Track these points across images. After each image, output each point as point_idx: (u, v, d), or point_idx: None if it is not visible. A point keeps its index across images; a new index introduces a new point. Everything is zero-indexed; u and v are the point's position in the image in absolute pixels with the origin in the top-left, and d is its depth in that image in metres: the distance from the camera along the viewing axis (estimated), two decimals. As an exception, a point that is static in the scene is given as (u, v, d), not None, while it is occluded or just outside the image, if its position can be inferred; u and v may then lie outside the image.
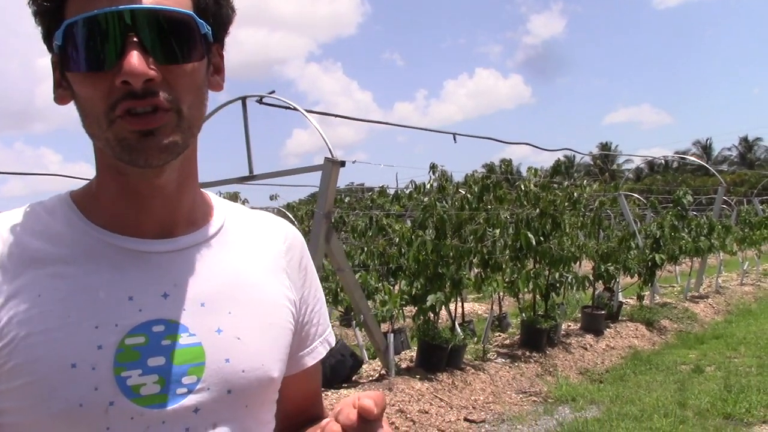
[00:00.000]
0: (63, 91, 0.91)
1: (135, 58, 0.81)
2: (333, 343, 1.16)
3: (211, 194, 1.06)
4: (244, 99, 6.48)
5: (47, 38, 0.89)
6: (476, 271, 8.05)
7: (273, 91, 6.29)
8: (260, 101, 6.37)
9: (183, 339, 0.91)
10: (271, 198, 9.19)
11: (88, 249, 0.92)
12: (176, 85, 0.86)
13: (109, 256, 0.91)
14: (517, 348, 8.13)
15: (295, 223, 11.88)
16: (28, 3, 0.88)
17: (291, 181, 14.06)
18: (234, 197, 7.78)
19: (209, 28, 0.89)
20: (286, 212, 13.65)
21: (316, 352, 1.12)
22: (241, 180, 6.65)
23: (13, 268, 0.89)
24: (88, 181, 0.99)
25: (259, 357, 0.97)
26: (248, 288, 0.99)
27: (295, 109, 6.21)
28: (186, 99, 0.87)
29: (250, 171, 6.52)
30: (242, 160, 6.54)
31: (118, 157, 0.87)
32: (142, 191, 0.92)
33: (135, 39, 0.82)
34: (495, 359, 7.63)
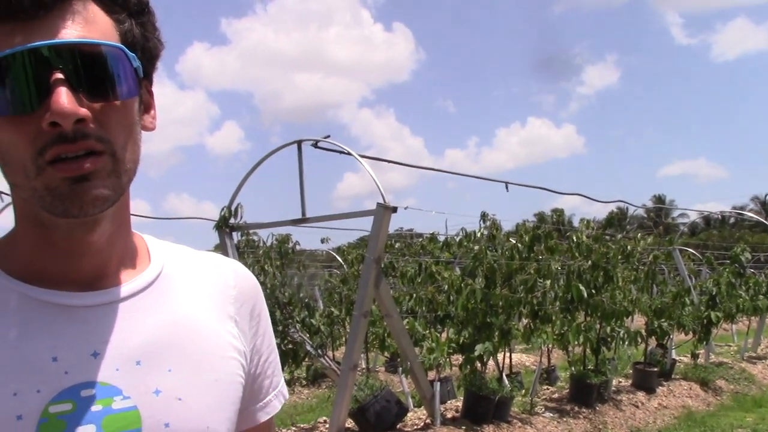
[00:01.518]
0: None
1: (64, 96, 0.72)
2: (287, 396, 1.07)
3: (147, 237, 0.96)
4: (299, 143, 6.59)
5: None
6: (525, 321, 7.95)
7: (328, 136, 6.39)
8: (315, 145, 6.47)
9: (116, 403, 0.79)
10: (322, 241, 9.24)
11: (4, 303, 0.80)
12: (108, 125, 0.77)
13: (29, 311, 0.80)
14: (566, 403, 7.95)
15: (345, 266, 11.92)
16: None
17: (341, 225, 14.11)
18: (286, 239, 7.86)
19: (139, 61, 0.81)
20: (336, 255, 13.74)
21: (271, 407, 1.03)
22: (294, 222, 6.72)
23: None
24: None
25: (203, 418, 0.85)
26: (190, 341, 0.88)
27: (349, 153, 6.29)
28: (119, 139, 0.78)
29: (303, 214, 6.59)
30: (293, 202, 6.62)
31: (48, 209, 0.76)
32: (69, 248, 0.82)
33: (60, 76, 0.73)
34: (543, 413, 7.47)
